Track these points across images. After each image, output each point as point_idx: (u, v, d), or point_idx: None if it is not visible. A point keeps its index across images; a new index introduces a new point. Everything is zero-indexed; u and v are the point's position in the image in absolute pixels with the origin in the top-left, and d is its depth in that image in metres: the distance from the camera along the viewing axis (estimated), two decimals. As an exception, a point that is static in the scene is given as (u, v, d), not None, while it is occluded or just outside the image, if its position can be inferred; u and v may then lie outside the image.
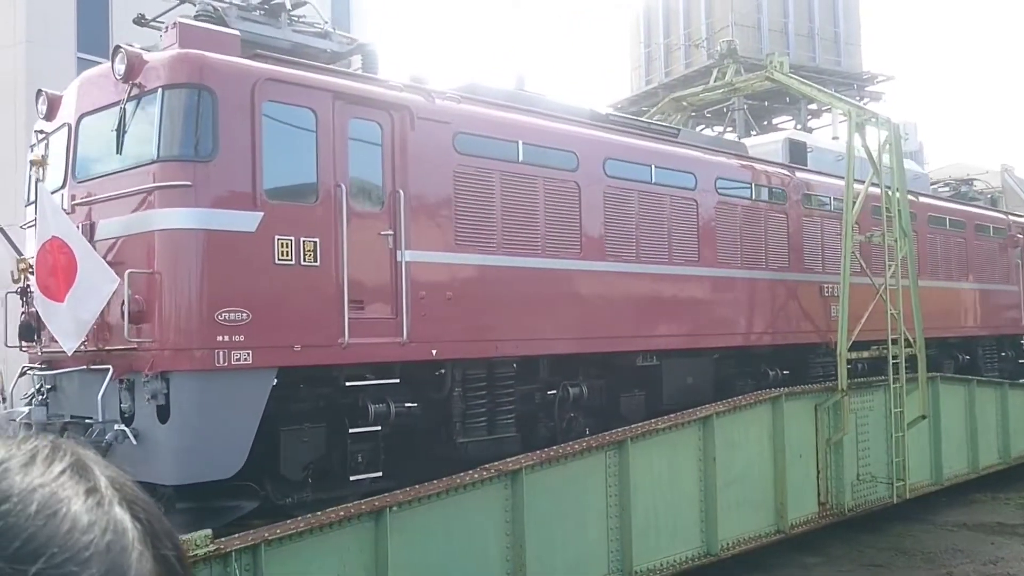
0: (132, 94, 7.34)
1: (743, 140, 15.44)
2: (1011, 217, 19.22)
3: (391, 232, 8.23)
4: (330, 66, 8.37)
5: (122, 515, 0.82)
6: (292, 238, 7.50)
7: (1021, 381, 17.64)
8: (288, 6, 8.45)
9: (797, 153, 14.17)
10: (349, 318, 7.79)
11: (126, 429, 7.10)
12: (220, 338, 7.06)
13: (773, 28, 20.63)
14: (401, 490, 7.77)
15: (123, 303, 7.01)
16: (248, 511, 7.47)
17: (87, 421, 7.46)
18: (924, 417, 13.49)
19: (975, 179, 19.73)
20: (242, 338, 7.15)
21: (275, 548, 6.90)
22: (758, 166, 12.72)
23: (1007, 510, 14.84)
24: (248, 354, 7.18)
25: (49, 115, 8.55)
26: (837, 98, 12.91)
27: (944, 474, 14.62)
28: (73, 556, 0.75)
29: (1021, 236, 18.82)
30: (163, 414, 7.05)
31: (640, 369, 10.90)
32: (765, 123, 22.33)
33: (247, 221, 7.27)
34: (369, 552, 7.50)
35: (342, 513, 7.28)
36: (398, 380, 8.34)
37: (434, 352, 8.50)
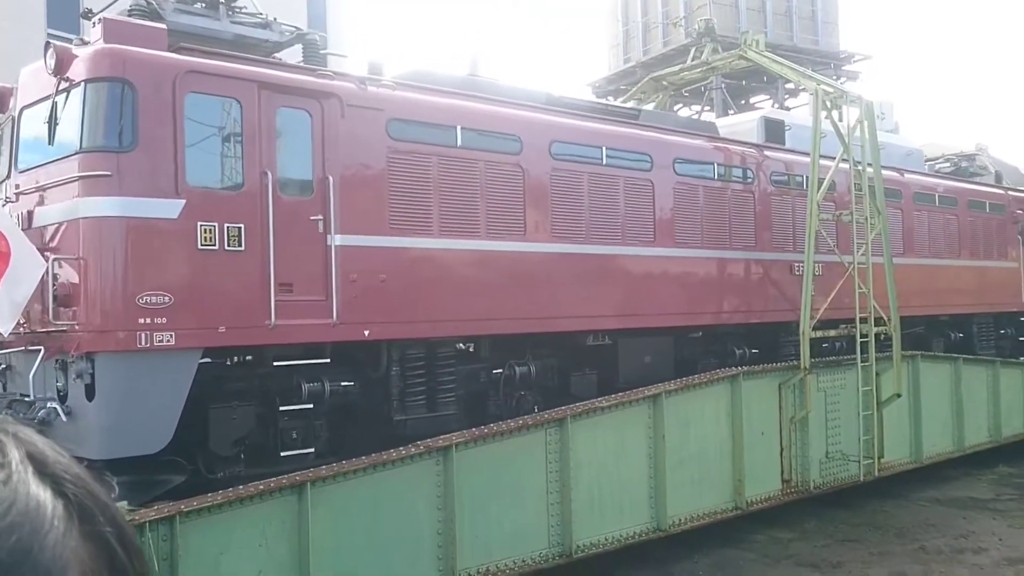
0: (61, 87, 7.69)
1: (719, 120, 15.42)
2: (1011, 193, 18.88)
3: (321, 217, 8.50)
4: (258, 57, 8.62)
5: (38, 491, 0.76)
6: (216, 224, 7.80)
7: (1014, 359, 17.41)
8: (223, -1, 8.71)
9: (774, 131, 14.14)
10: (276, 300, 8.09)
11: (57, 406, 7.50)
12: (142, 320, 7.40)
13: (751, 7, 20.45)
14: (325, 466, 8.09)
15: (51, 287, 7.40)
16: (176, 484, 7.83)
17: (26, 399, 7.89)
18: (899, 396, 13.47)
19: (976, 155, 19.41)
20: (164, 320, 7.49)
21: (192, 520, 7.26)
22: (722, 145, 12.74)
23: (980, 486, 14.83)
24: (171, 335, 7.52)
25: (1, 107, 8.94)
26: (805, 75, 12.86)
27: (924, 452, 14.58)
28: None
29: (1022, 212, 18.48)
30: (90, 392, 7.43)
31: (592, 348, 11.06)
32: (743, 102, 22.20)
33: (169, 208, 7.59)
34: (292, 525, 7.83)
35: (262, 487, 7.62)
36: (328, 360, 8.63)
37: (367, 333, 8.77)
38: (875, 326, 13.16)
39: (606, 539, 10.16)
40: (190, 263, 7.70)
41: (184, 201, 7.65)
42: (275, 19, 9.33)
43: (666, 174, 11.68)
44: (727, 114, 18.94)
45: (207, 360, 8.39)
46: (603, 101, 12.58)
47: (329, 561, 8.01)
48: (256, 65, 8.39)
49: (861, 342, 12.85)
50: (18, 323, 7.75)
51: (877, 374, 13.55)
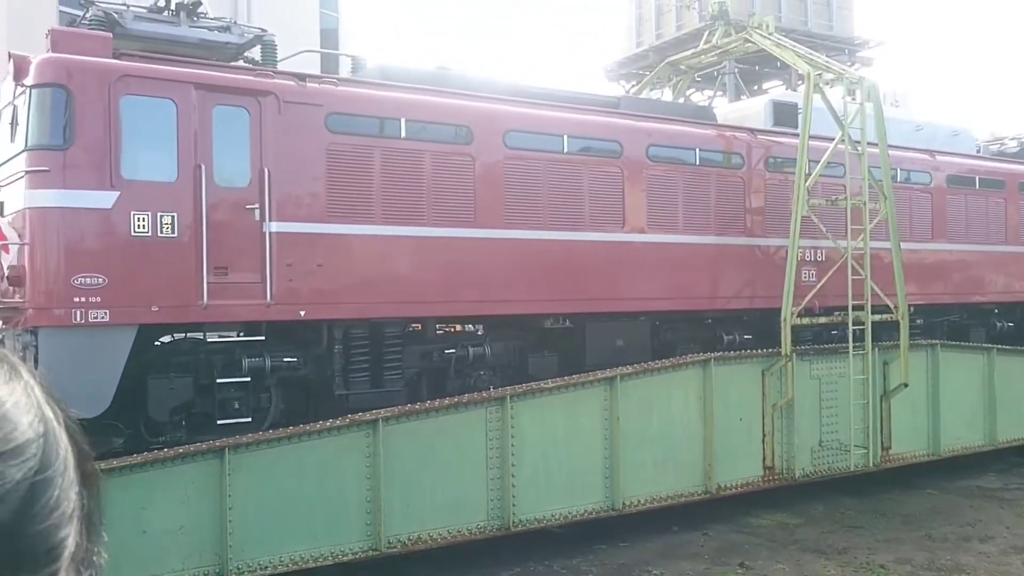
0: (18, 92, 8.70)
1: (729, 104, 15.20)
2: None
3: (257, 206, 9.23)
4: (199, 60, 9.38)
5: (46, 405, 0.89)
6: (149, 213, 8.65)
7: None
8: (178, 3, 9.52)
9: (784, 115, 13.90)
10: (209, 282, 8.88)
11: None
12: (77, 299, 8.34)
13: (765, -9, 19.80)
14: (248, 434, 8.86)
15: (4, 268, 8.45)
16: (115, 446, 8.76)
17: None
18: (905, 385, 13.10)
19: (1045, 133, 18.22)
20: (99, 299, 8.41)
21: (114, 476, 8.16)
22: (707, 131, 12.69)
23: (988, 475, 14.35)
24: (105, 313, 8.43)
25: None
26: (801, 57, 12.61)
27: (944, 445, 14.08)
28: (18, 447, 0.81)
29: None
30: (36, 362, 8.43)
31: (554, 331, 11.38)
32: (756, 88, 21.49)
33: (104, 199, 8.49)
34: (213, 487, 8.63)
35: (181, 451, 8.47)
36: (264, 338, 9.38)
37: (302, 313, 9.45)
38: (881, 313, 12.84)
39: (552, 515, 10.51)
40: (124, 248, 8.58)
41: (118, 193, 8.53)
42: (235, 22, 10.08)
43: (638, 160, 11.79)
44: (740, 99, 18.56)
45: (167, 339, 9.35)
46: (584, 93, 12.70)
47: (251, 522, 8.77)
48: (195, 67, 9.17)
49: (855, 329, 12.58)
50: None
51: (886, 363, 13.23)
